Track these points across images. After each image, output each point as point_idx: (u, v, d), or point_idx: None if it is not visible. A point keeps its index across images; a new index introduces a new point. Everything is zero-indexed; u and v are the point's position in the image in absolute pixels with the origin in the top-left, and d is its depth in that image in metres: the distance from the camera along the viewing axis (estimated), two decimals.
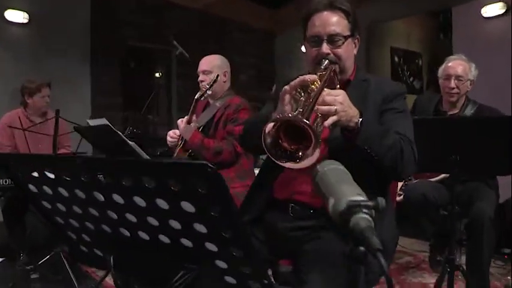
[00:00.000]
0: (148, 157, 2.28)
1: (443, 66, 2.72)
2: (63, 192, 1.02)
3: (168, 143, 2.84)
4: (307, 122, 1.17)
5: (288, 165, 1.26)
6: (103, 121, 2.13)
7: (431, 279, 2.80)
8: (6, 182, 2.67)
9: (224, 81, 2.89)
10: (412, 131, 1.53)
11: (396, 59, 5.50)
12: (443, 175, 2.69)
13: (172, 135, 2.82)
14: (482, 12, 3.97)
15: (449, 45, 6.40)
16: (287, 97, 1.35)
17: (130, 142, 2.16)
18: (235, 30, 5.79)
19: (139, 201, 0.90)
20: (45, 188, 1.05)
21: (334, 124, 1.29)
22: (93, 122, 2.27)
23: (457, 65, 2.65)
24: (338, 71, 1.54)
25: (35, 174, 1.03)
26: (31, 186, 1.08)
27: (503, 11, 3.88)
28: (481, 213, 2.37)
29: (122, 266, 1.07)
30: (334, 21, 1.53)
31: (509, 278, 2.83)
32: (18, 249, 3.13)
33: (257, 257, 0.93)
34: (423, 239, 3.38)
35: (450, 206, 2.09)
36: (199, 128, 2.79)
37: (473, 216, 2.40)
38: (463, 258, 2.56)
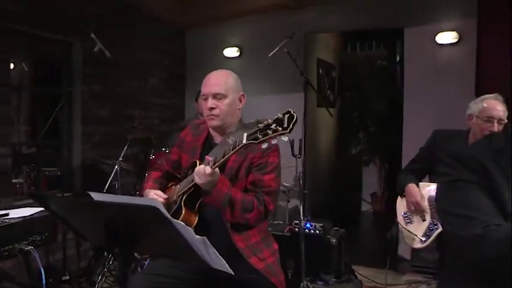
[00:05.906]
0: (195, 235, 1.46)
1: (480, 106, 2.49)
2: None
3: None
4: None
5: None
6: (147, 201, 1.26)
7: None
8: None
9: (239, 108, 2.14)
10: None
11: (320, 71, 5.25)
12: None
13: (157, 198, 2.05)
14: (436, 38, 3.95)
15: (356, 57, 6.54)
16: None
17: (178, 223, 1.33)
18: (145, 21, 4.71)
19: None
20: None
21: None
22: (99, 196, 1.32)
23: (498, 107, 2.46)
24: None
25: None
26: None
27: (455, 40, 3.92)
28: None
29: None
30: None
31: None
32: None
33: None
34: None
35: None
36: None
37: None
38: None
